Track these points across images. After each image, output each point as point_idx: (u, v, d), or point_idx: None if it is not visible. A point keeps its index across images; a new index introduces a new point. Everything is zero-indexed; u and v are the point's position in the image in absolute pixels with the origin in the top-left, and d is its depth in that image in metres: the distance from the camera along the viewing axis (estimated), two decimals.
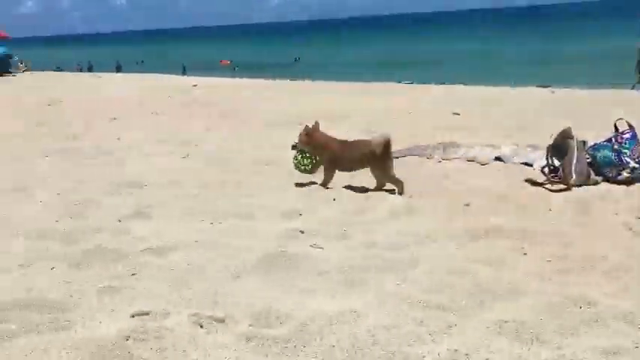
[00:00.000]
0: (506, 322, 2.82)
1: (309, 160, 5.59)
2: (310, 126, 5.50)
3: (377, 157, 5.22)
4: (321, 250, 3.95)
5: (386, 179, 5.33)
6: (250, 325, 2.88)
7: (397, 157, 6.73)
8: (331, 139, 5.54)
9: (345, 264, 3.68)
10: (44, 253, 3.92)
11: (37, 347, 2.61)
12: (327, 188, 5.44)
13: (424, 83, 20.26)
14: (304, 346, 2.69)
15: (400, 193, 5.23)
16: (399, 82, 20.90)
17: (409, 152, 6.87)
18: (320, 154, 5.52)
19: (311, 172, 5.62)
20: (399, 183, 5.28)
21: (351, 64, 40.92)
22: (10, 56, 26.89)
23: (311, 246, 4.01)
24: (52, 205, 5.03)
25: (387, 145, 5.20)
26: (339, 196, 5.22)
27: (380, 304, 3.07)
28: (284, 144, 8.04)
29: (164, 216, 4.75)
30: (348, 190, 5.45)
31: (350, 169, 5.53)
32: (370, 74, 26.89)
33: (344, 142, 5.49)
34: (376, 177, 5.39)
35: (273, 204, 5.07)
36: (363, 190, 5.44)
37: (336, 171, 5.51)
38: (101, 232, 4.35)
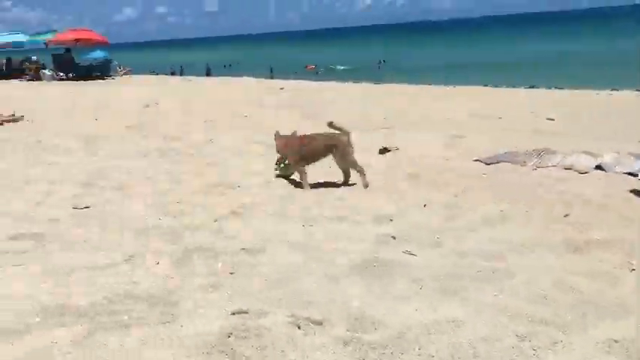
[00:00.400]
0: (616, 341, 2.67)
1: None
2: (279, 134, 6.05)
3: (343, 148, 5.79)
4: (413, 256, 3.91)
5: (351, 166, 5.87)
6: (347, 330, 2.88)
7: (489, 164, 6.57)
8: (291, 138, 5.98)
9: (439, 272, 3.61)
10: (149, 249, 4.11)
11: (149, 338, 2.73)
12: (309, 188, 5.69)
13: (512, 87, 19.65)
14: (402, 354, 2.66)
15: (365, 185, 5.77)
16: (486, 86, 20.37)
17: (502, 159, 6.67)
18: (285, 155, 6.02)
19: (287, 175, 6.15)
20: (362, 172, 5.83)
21: (434, 67, 40.30)
22: (109, 61, 28.41)
23: (404, 252, 3.97)
24: (155, 203, 5.26)
25: (349, 138, 5.86)
26: (430, 202, 5.15)
27: (478, 315, 2.99)
28: (370, 147, 8.10)
29: (258, 217, 4.86)
30: (439, 194, 5.37)
31: (315, 160, 5.93)
32: (455, 77, 26.37)
33: (303, 137, 5.96)
34: (343, 166, 5.93)
35: (365, 207, 5.07)
36: (454, 195, 5.35)
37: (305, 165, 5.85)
38: (200, 230, 4.51)
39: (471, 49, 59.07)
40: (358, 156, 7.55)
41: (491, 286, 3.37)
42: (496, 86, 20.33)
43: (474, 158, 6.90)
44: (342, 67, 46.93)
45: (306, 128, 9.01)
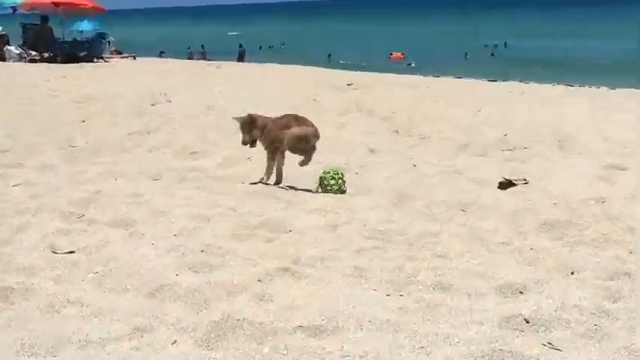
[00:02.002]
0: None
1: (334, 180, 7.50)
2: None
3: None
4: (558, 352, 3.82)
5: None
6: None
7: None
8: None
9: None
10: (162, 320, 4.13)
11: None
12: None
13: None
14: None
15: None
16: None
17: None
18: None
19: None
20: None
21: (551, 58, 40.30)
22: (103, 35, 29.11)
23: (543, 345, 3.89)
24: (169, 250, 5.31)
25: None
26: (581, 268, 5.03)
27: None
28: (486, 178, 8.04)
29: (322, 277, 4.84)
30: (594, 257, 5.27)
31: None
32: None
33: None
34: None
35: (480, 271, 5.00)
36: (615, 259, 5.22)
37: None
38: (235, 294, 4.51)
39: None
40: (466, 188, 7.59)
41: None
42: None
43: None
44: None
45: (402, 150, 9.03)
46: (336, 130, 11.42)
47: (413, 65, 42.60)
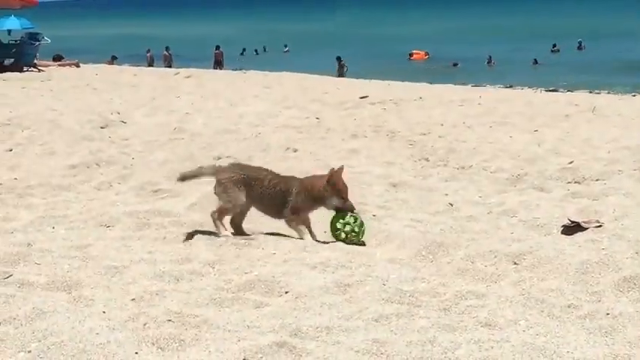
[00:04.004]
0: None
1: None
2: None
3: None
4: None
5: None
6: None
7: None
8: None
9: None
10: None
11: None
12: None
13: None
14: None
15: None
16: None
17: None
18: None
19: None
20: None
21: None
22: (36, 36, 29.07)
23: None
24: (126, 320, 5.30)
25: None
26: None
27: None
28: (547, 220, 8.04)
29: (329, 355, 4.82)
30: None
31: None
32: None
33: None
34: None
35: (539, 344, 5.00)
36: None
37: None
38: None
39: None
40: (520, 234, 7.58)
41: None
42: None
43: None
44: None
45: (434, 184, 9.08)
46: (344, 158, 11.45)
47: (459, 66, 43.15)
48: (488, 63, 50.80)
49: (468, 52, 53.92)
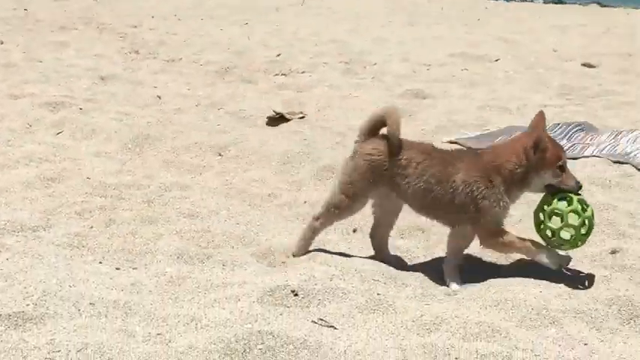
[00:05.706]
0: None
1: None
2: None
3: None
4: (333, 331, 3.97)
5: None
6: None
7: None
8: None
9: None
10: None
11: None
12: None
13: None
14: None
15: None
16: None
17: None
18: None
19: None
20: None
21: None
22: None
23: (315, 322, 4.00)
24: None
25: None
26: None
27: None
28: (254, 113, 8.14)
29: (28, 250, 4.76)
30: None
31: None
32: None
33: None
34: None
35: (239, 233, 5.15)
36: None
37: None
38: None
39: None
40: (225, 125, 7.62)
41: None
42: None
43: None
44: None
45: (143, 77, 8.96)
46: (53, 51, 11.23)
47: None
48: None
49: None
